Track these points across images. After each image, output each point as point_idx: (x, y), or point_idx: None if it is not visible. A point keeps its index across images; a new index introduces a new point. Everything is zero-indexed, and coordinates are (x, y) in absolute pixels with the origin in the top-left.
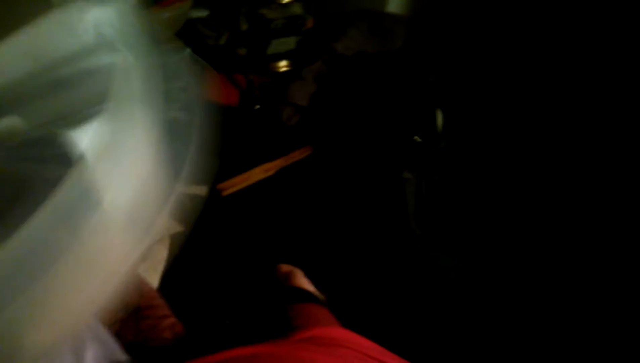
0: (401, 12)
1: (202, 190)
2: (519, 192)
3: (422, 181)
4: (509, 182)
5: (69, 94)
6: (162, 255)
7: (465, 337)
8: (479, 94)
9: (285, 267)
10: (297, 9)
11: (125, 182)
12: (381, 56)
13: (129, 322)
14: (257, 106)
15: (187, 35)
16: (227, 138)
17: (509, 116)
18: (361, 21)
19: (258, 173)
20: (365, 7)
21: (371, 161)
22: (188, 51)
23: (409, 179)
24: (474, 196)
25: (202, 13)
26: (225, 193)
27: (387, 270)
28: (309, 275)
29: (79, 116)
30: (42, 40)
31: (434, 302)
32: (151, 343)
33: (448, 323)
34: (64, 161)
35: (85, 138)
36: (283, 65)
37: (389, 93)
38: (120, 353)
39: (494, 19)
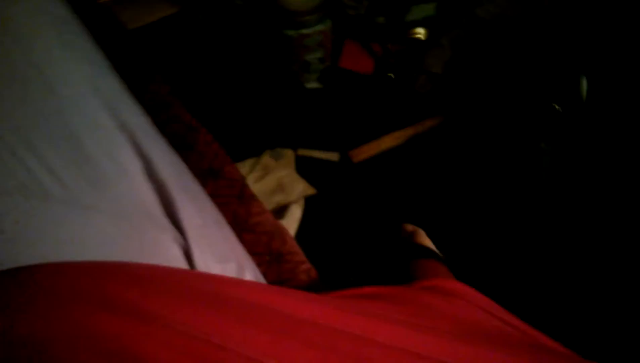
0: None
1: (334, 156)
2: None
3: (559, 153)
4: None
5: None
6: (297, 214)
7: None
8: (633, 61)
9: (409, 226)
10: None
11: None
12: (523, 19)
13: (273, 264)
14: (391, 74)
15: (329, 5)
16: (360, 105)
17: None
18: None
19: (388, 141)
20: None
21: (505, 129)
22: (329, 21)
23: (545, 150)
24: (616, 175)
25: None
26: (356, 159)
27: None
28: (430, 236)
29: None
30: None
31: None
32: (289, 283)
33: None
34: None
35: None
36: (420, 32)
37: (528, 58)
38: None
39: None
